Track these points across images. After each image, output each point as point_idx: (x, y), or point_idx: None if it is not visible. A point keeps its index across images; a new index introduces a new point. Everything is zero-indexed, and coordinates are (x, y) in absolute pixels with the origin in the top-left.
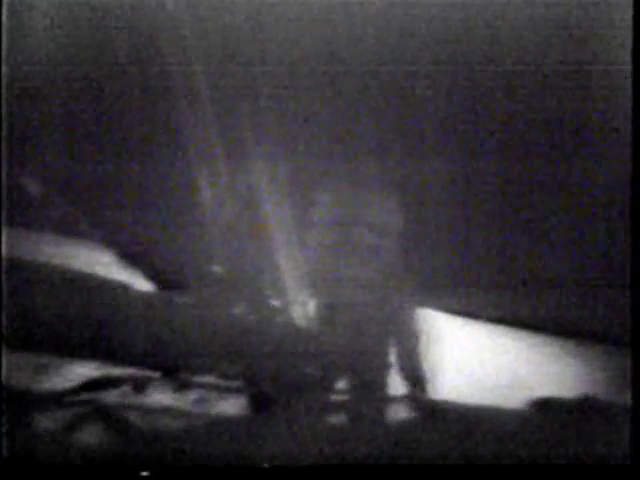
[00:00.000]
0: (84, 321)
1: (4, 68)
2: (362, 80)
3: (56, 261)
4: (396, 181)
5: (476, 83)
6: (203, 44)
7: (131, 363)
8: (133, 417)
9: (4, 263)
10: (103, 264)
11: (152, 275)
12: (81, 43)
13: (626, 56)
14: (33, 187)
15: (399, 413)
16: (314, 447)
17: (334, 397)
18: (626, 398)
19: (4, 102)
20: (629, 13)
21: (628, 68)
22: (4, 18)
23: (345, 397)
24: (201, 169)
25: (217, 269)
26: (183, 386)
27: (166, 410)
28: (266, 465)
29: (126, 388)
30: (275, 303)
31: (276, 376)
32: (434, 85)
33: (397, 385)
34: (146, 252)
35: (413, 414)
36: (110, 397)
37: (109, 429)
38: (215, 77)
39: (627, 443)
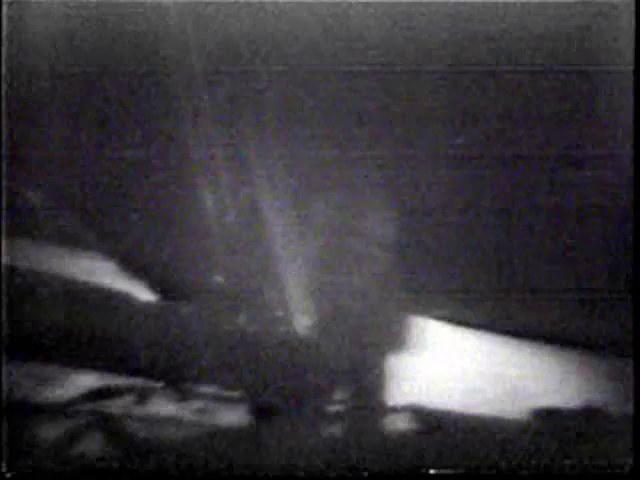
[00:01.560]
0: (86, 331)
1: (4, 70)
2: (365, 86)
3: (57, 270)
4: (398, 189)
5: (476, 86)
6: (205, 48)
7: (133, 373)
8: (136, 427)
9: (4, 272)
10: (105, 274)
11: (154, 285)
12: (82, 47)
13: (628, 58)
14: (34, 196)
15: (399, 423)
16: (315, 456)
17: (335, 406)
18: (628, 407)
19: (4, 106)
20: (631, 14)
21: (630, 69)
22: (4, 18)
23: (345, 406)
24: (203, 179)
25: (219, 279)
26: (185, 396)
27: (168, 420)
28: (269, 475)
29: (128, 398)
30: (276, 313)
31: (277, 385)
32: (435, 90)
33: (397, 394)
34: (148, 262)
35: (413, 424)
36: (112, 407)
37: (111, 439)
38: (217, 83)
39: (629, 452)
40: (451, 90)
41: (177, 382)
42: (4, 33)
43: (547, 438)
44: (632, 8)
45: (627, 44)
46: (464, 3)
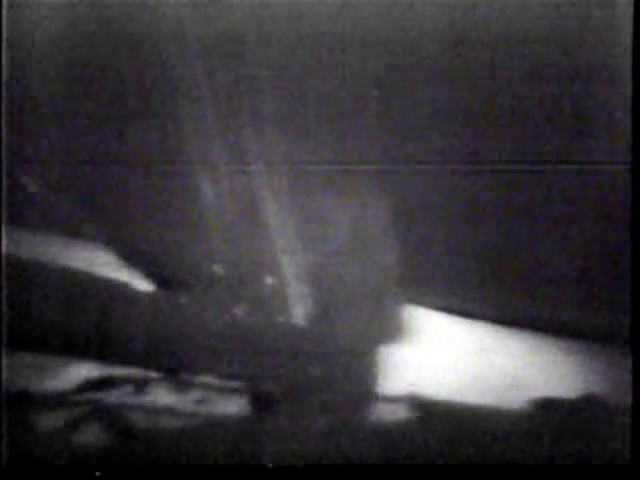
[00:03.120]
0: (84, 321)
1: (4, 67)
2: (364, 81)
3: (56, 260)
4: (396, 181)
5: (475, 84)
6: (204, 43)
7: (132, 363)
8: (134, 417)
9: (4, 263)
10: (104, 263)
11: (153, 275)
12: (82, 42)
13: (626, 55)
14: (34, 186)
15: (399, 413)
16: (315, 446)
17: (333, 396)
18: (626, 397)
19: (4, 101)
20: (630, 12)
21: (628, 66)
22: (4, 18)
23: (344, 396)
24: (203, 169)
25: (218, 269)
26: (184, 386)
27: (167, 410)
28: (268, 465)
29: (127, 388)
30: (275, 303)
31: (277, 376)
32: (435, 86)
33: (395, 384)
34: (147, 252)
35: (414, 414)
36: (111, 397)
37: (110, 429)
38: (217, 77)
39: (627, 442)
40: (450, 88)
41: (176, 372)
42: (4, 27)
43: (545, 428)
44: (631, 7)
45: (625, 43)
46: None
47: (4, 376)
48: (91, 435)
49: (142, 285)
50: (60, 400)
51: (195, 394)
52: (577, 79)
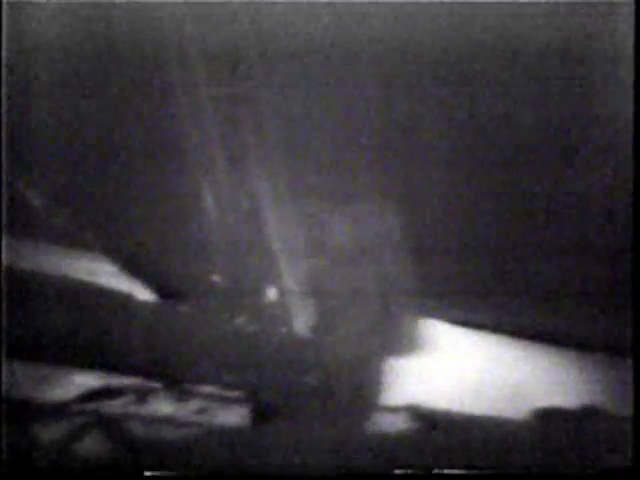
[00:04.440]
0: (85, 331)
1: (4, 70)
2: (365, 86)
3: (57, 270)
4: (399, 189)
5: (477, 86)
6: (205, 48)
7: (132, 373)
8: (135, 427)
9: (4, 273)
10: (104, 274)
11: (154, 285)
12: (82, 46)
13: (627, 56)
14: (34, 196)
15: (399, 423)
16: (315, 456)
17: (334, 407)
18: (627, 408)
19: (4, 106)
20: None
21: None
22: (4, 18)
23: (345, 407)
24: (203, 178)
25: (218, 279)
26: (185, 396)
27: (168, 420)
28: (268, 475)
29: (128, 398)
30: (275, 313)
31: (277, 386)
32: (436, 90)
33: (396, 395)
34: (148, 262)
35: (413, 424)
36: (111, 407)
37: (110, 439)
38: (217, 84)
39: (628, 452)
40: (451, 90)
41: (176, 382)
42: (4, 32)
43: (547, 438)
44: (632, 8)
45: (627, 44)
46: (462, 3)
47: (4, 385)
48: (91, 444)
49: (143, 295)
50: (61, 410)
51: (195, 404)
52: None
